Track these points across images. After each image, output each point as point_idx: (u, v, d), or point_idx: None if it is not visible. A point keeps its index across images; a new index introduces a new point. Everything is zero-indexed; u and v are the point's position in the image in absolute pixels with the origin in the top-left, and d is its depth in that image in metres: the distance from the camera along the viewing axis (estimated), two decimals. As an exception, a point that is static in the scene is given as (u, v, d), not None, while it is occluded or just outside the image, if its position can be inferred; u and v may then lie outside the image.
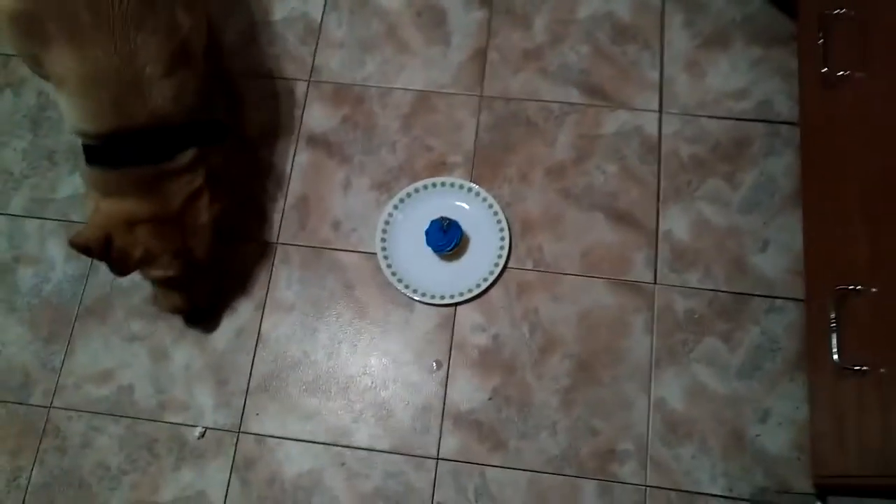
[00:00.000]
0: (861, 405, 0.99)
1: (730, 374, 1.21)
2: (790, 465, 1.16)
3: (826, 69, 1.14)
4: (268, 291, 1.31)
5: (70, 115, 1.08)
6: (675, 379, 1.22)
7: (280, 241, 1.34)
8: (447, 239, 1.26)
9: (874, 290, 0.98)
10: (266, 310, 1.30)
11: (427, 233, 1.27)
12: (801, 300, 1.23)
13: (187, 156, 1.11)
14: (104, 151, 1.09)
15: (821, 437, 1.11)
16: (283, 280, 1.31)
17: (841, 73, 1.11)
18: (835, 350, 1.02)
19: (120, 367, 1.28)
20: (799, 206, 1.27)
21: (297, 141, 1.40)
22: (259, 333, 1.28)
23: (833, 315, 1.03)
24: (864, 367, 0.97)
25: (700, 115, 1.37)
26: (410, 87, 1.42)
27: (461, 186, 1.33)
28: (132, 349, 1.29)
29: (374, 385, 1.25)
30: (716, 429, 1.19)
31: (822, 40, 1.16)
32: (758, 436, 1.18)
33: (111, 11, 1.00)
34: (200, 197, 1.14)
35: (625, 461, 1.18)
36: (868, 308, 1.00)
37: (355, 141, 1.39)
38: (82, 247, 1.05)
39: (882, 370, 0.94)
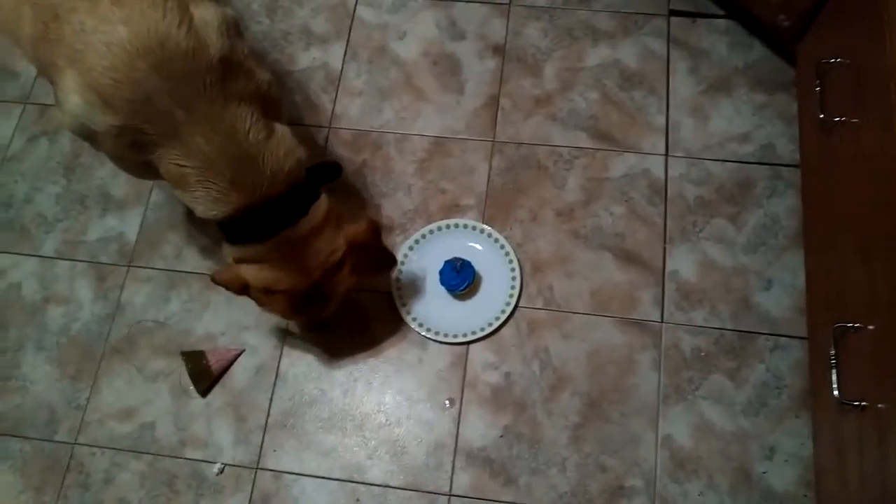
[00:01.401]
0: (860, 440, 1.10)
1: (736, 411, 1.33)
2: (796, 501, 1.26)
3: (823, 115, 1.28)
4: (286, 329, 1.44)
5: (196, 208, 1.14)
6: (682, 416, 1.33)
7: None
8: (460, 279, 1.39)
9: (871, 327, 1.09)
10: (285, 348, 1.43)
11: (441, 273, 1.41)
12: (805, 338, 1.34)
13: (321, 207, 1.20)
14: (238, 229, 1.17)
15: (824, 473, 1.21)
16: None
17: (837, 118, 1.25)
18: (835, 385, 1.13)
19: (143, 404, 1.42)
20: (801, 246, 1.40)
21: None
22: (277, 372, 1.42)
23: (833, 352, 1.15)
24: (864, 403, 1.08)
25: (705, 159, 1.51)
26: (426, 133, 1.58)
27: (474, 228, 1.47)
28: (155, 387, 1.43)
29: (388, 422, 1.37)
30: (723, 465, 1.29)
31: (819, 87, 1.31)
32: (764, 473, 1.28)
33: (200, 97, 1.06)
34: (341, 268, 1.23)
35: (633, 497, 1.29)
36: (866, 345, 1.11)
37: (373, 184, 1.54)
38: (222, 284, 1.21)
39: (880, 405, 1.05)
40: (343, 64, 1.66)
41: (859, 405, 1.08)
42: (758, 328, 1.38)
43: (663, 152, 1.53)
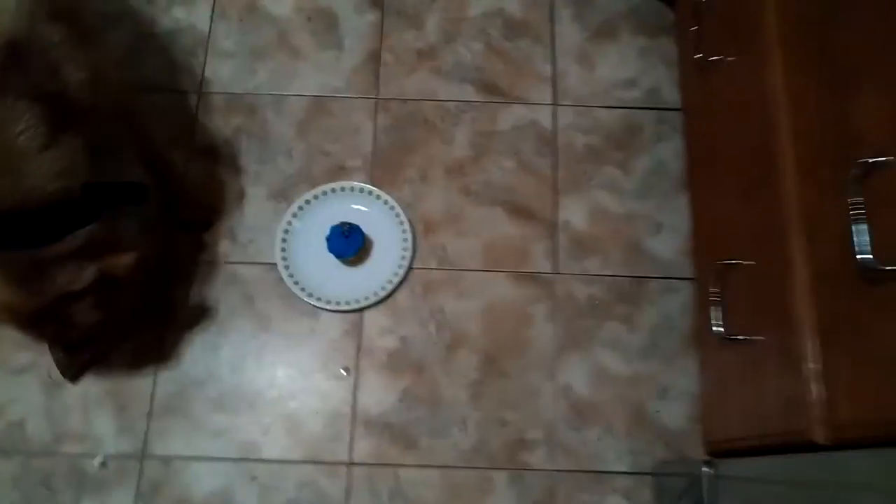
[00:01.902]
0: (741, 373, 1.16)
1: (631, 356, 1.37)
2: (688, 436, 1.32)
3: (700, 55, 1.31)
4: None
5: None
6: (579, 365, 1.37)
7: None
8: (349, 244, 1.37)
9: (751, 263, 1.14)
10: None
11: (328, 239, 1.39)
12: (692, 279, 1.39)
13: (81, 235, 1.07)
14: None
15: (709, 406, 1.28)
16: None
17: (713, 57, 1.28)
18: (717, 322, 1.18)
19: (8, 402, 1.35)
20: (688, 189, 1.44)
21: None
22: (159, 354, 1.36)
23: (715, 289, 1.19)
24: (744, 337, 1.13)
25: (593, 106, 1.54)
26: (304, 93, 1.54)
27: (361, 190, 1.45)
28: (21, 382, 1.36)
29: (281, 396, 1.35)
30: (619, 409, 1.34)
31: (696, 28, 1.34)
32: (657, 412, 1.34)
33: None
34: (82, 299, 1.10)
35: (534, 449, 1.32)
36: (745, 281, 1.16)
37: (249, 151, 1.49)
38: None
39: (758, 338, 1.10)
40: (211, 24, 1.59)
41: (741, 339, 1.14)
42: (649, 272, 1.43)
43: (551, 102, 1.55)
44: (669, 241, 1.45)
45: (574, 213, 1.47)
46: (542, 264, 1.44)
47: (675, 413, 1.34)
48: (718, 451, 1.22)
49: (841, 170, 0.89)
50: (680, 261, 1.43)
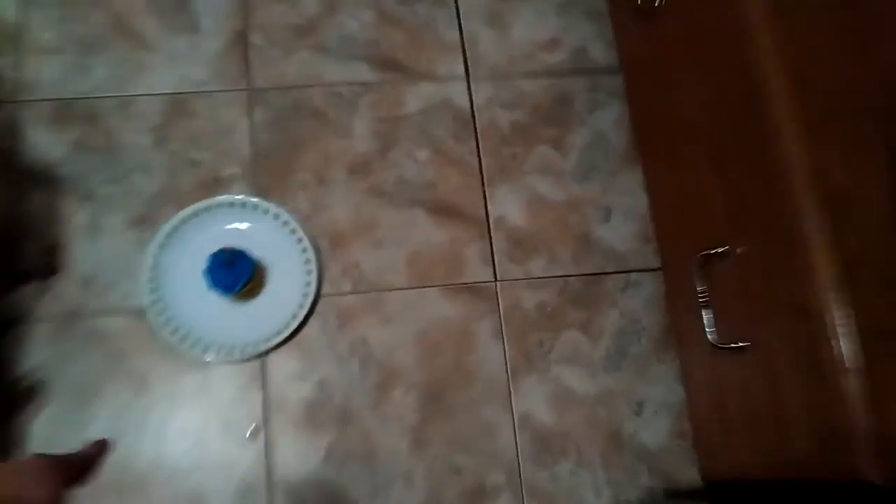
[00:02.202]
0: (744, 387, 0.98)
1: (596, 369, 1.18)
2: (673, 455, 1.15)
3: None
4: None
5: None
6: (537, 388, 1.16)
7: (14, 314, 1.11)
8: (234, 275, 1.10)
9: (739, 250, 0.96)
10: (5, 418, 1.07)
11: (208, 272, 1.10)
12: (658, 269, 1.21)
13: None
14: None
15: (703, 426, 1.10)
16: (29, 364, 1.09)
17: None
18: (709, 329, 0.99)
19: None
20: (637, 163, 1.26)
21: (15, 184, 1.16)
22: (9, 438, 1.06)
23: (701, 287, 1.01)
24: (744, 344, 0.95)
25: (513, 75, 1.32)
26: (158, 91, 1.24)
27: (243, 205, 1.18)
28: None
29: (177, 473, 1.08)
30: (591, 435, 1.15)
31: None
32: (635, 432, 1.15)
33: None
34: None
35: (498, 496, 1.11)
36: (736, 272, 0.98)
37: (95, 170, 1.19)
38: None
39: (762, 342, 0.92)
40: (20, 14, 1.26)
41: (739, 347, 0.96)
42: (604, 267, 1.23)
43: (463, 75, 1.32)
44: (622, 228, 1.26)
45: (508, 207, 1.26)
46: (478, 272, 1.22)
47: (656, 430, 1.16)
48: (717, 478, 1.05)
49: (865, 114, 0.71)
50: (638, 249, 1.24)
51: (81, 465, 0.90)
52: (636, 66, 1.27)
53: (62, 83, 1.23)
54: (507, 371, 1.17)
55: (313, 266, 1.17)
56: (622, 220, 1.26)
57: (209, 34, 1.29)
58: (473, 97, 1.31)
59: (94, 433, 1.08)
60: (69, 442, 1.06)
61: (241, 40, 1.29)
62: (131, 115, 1.22)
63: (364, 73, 1.30)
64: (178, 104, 1.24)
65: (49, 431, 1.08)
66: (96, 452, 0.94)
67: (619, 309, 1.21)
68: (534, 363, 1.18)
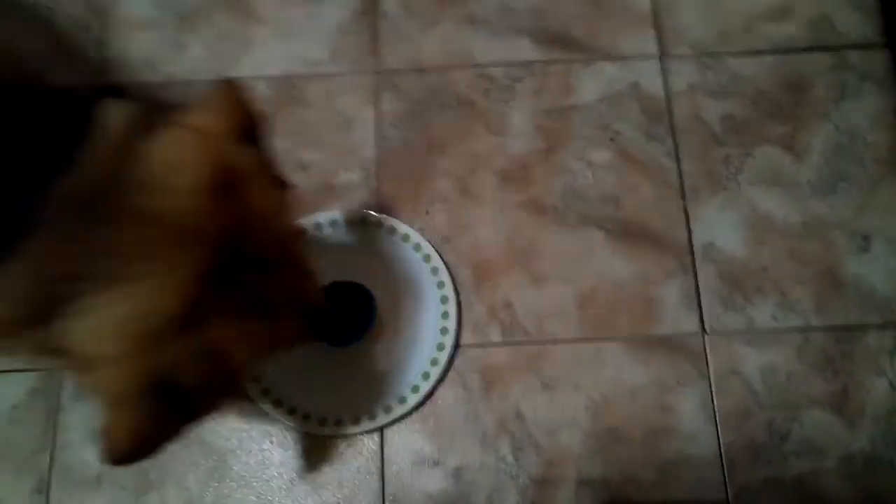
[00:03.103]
0: None
1: (854, 470, 0.78)
2: None
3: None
4: (52, 459, 0.83)
5: None
6: (767, 490, 0.78)
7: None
8: (352, 320, 0.80)
9: None
10: (52, 494, 0.82)
11: (317, 311, 0.80)
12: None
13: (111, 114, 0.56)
14: None
15: None
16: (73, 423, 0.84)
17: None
18: None
19: None
20: (912, 172, 0.86)
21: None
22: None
23: None
24: None
25: (724, 53, 0.95)
26: (264, 73, 0.96)
27: (364, 221, 0.87)
28: None
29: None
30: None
31: None
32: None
33: None
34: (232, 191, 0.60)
35: None
36: None
37: (183, 172, 0.92)
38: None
39: None
40: (111, -22, 1.03)
41: None
42: (861, 318, 0.84)
43: (656, 52, 0.97)
44: (887, 262, 0.86)
45: (719, 230, 0.89)
46: (679, 320, 0.85)
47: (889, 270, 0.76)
48: None
49: None
50: (916, 295, 0.85)
51: None
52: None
53: (153, 62, 0.97)
54: (722, 466, 0.81)
55: (452, 306, 0.84)
56: (886, 250, 0.87)
57: (331, 3, 1.00)
58: (669, 82, 0.95)
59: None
60: None
61: (370, 10, 0.99)
62: (230, 104, 0.96)
63: (525, 50, 0.97)
64: (286, 89, 0.96)
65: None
66: None
67: (877, 366, 0.82)
68: (762, 455, 0.81)
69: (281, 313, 0.58)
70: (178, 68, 0.97)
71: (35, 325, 0.49)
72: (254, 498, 0.80)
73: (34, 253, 0.48)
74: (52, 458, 0.82)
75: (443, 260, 0.86)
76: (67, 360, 0.51)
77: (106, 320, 0.49)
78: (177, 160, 0.52)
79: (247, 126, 0.60)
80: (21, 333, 0.50)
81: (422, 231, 0.87)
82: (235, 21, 1.00)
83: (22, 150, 0.49)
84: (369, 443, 0.82)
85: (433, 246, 0.87)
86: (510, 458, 0.81)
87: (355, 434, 0.81)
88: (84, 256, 0.49)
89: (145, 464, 0.81)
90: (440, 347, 0.82)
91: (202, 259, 0.51)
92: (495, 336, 0.85)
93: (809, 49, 0.95)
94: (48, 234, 0.48)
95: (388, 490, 0.80)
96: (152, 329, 0.50)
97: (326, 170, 0.91)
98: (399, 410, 0.80)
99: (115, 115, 0.53)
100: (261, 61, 0.97)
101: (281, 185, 0.62)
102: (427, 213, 0.89)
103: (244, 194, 0.55)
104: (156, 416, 0.51)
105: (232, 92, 0.61)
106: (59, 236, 0.48)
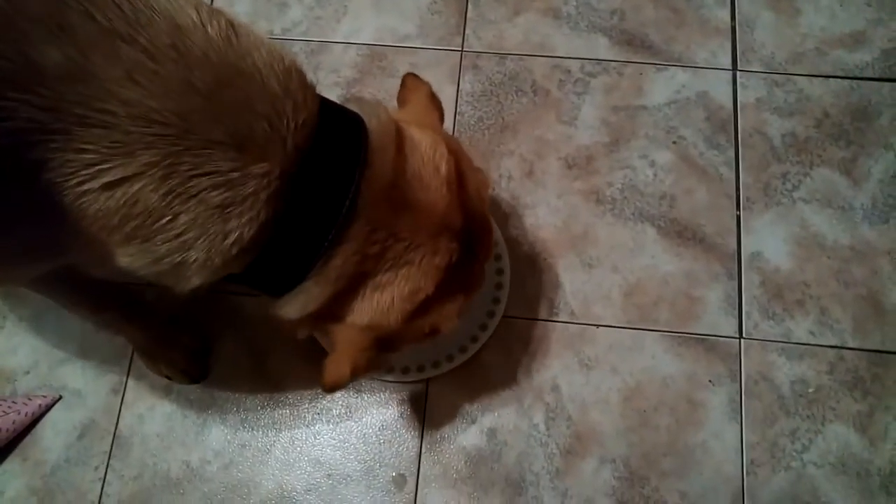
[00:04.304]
0: None
1: (874, 485, 0.80)
2: None
3: None
4: (130, 364, 0.88)
5: (186, 263, 0.58)
6: (784, 491, 0.80)
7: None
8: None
9: None
10: (127, 396, 0.87)
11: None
12: None
13: (380, 118, 0.64)
14: (290, 237, 0.62)
15: None
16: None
17: None
18: None
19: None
20: (967, 211, 0.86)
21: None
22: (115, 434, 0.85)
23: None
24: None
25: (795, 74, 0.96)
26: (356, 40, 1.00)
27: (433, 190, 0.90)
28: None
29: (299, 510, 0.83)
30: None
31: None
32: None
33: None
34: (462, 183, 0.70)
35: None
36: None
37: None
38: (348, 378, 0.65)
39: None
40: (225, -66, 1.06)
41: None
42: (898, 346, 0.86)
43: (729, 66, 0.98)
44: (935, 296, 0.87)
45: (768, 241, 0.90)
46: (718, 322, 0.87)
47: None
48: None
49: None
50: (957, 330, 0.85)
51: None
52: None
53: (254, 20, 1.01)
54: (742, 465, 0.82)
55: (505, 278, 0.87)
56: (936, 285, 0.87)
57: (424, -19, 1.04)
58: (739, 94, 0.96)
59: (210, 444, 0.86)
60: (183, 442, 0.85)
61: (460, -8, 1.03)
62: (323, 65, 0.98)
63: (602, 48, 0.99)
64: (376, 57, 0.99)
65: (161, 426, 0.88)
66: None
67: (922, 412, 0.83)
68: (780, 460, 0.82)
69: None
70: (277, 26, 1.01)
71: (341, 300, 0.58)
72: (303, 426, 0.85)
73: (355, 236, 0.55)
74: (130, 363, 0.88)
75: (499, 234, 0.89)
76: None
77: (390, 298, 0.58)
78: (428, 158, 0.60)
79: (442, 115, 0.70)
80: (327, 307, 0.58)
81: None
82: (334, -12, 1.04)
83: (332, 150, 0.55)
84: (414, 393, 0.86)
85: (494, 221, 0.90)
86: (542, 427, 0.83)
87: (403, 383, 0.85)
88: (386, 239, 0.56)
89: (202, 400, 0.87)
90: (490, 315, 0.85)
91: (452, 248, 0.59)
92: (543, 312, 0.88)
93: (880, 79, 0.95)
94: (363, 221, 0.55)
95: (425, 438, 0.84)
96: (410, 309, 0.58)
97: (403, 137, 0.95)
98: (445, 367, 0.84)
99: (378, 114, 0.60)
100: (354, 29, 1.01)
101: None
102: (493, 189, 0.92)
103: (466, 181, 0.62)
104: (368, 364, 0.60)
105: (424, 85, 0.70)
106: (371, 223, 0.55)
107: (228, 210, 0.50)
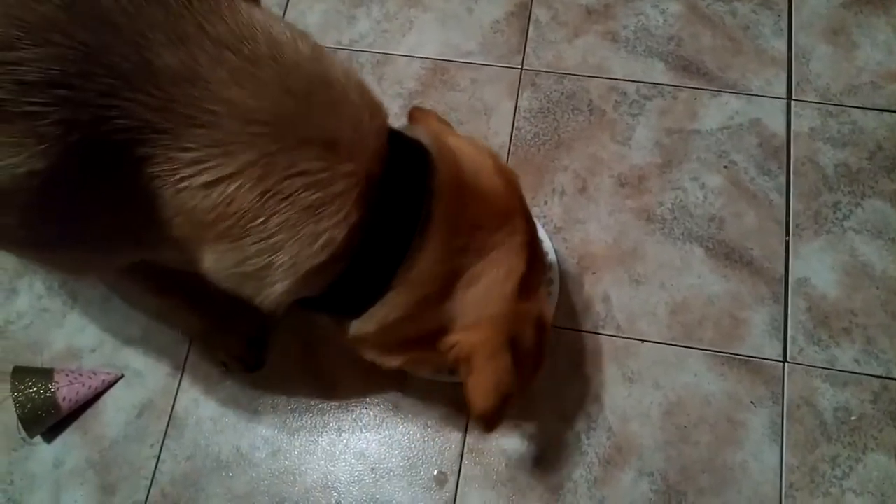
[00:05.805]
0: None
1: (918, 521, 0.77)
2: None
3: None
4: (189, 350, 0.90)
5: (275, 270, 0.60)
6: (824, 524, 0.78)
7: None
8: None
9: None
10: (185, 378, 0.89)
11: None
12: None
13: (430, 127, 0.72)
14: (378, 242, 0.66)
15: None
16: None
17: None
18: None
19: None
20: None
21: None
22: (171, 415, 0.87)
23: None
24: None
25: (849, 106, 0.95)
26: (420, 54, 1.02)
27: (487, 200, 0.91)
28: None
29: None
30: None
31: None
32: None
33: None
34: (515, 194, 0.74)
35: None
36: None
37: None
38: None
39: None
40: (301, -51, 1.10)
41: None
42: (946, 379, 0.83)
43: (784, 95, 0.97)
44: (985, 332, 0.85)
45: (816, 268, 0.89)
46: (762, 344, 0.86)
47: None
48: None
49: None
50: None
51: None
52: None
53: (323, 30, 1.04)
54: (780, 488, 0.81)
55: (554, 288, 0.87)
56: None
57: (488, 2, 1.04)
58: (792, 123, 0.95)
59: (260, 432, 0.87)
60: (234, 427, 0.86)
61: (523, 13, 1.03)
62: (387, 76, 1.00)
63: (658, 72, 0.99)
64: (439, 71, 1.00)
65: (214, 411, 0.89)
66: None
67: (969, 447, 0.81)
68: (819, 485, 0.81)
69: None
70: (345, 37, 1.04)
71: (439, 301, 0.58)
72: (350, 419, 0.86)
73: (438, 235, 0.56)
74: (188, 350, 0.90)
75: (552, 245, 0.89)
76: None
77: (488, 284, 0.58)
78: (473, 153, 0.62)
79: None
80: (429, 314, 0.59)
81: (539, 218, 0.91)
82: (401, 4, 1.05)
83: (404, 153, 0.58)
84: (460, 394, 0.86)
85: (544, 232, 0.90)
86: (583, 436, 0.83)
87: (449, 382, 0.85)
88: (469, 231, 0.58)
89: (255, 388, 0.88)
90: (537, 324, 0.86)
91: (526, 228, 0.61)
92: (589, 324, 0.88)
93: (936, 115, 0.94)
94: (441, 219, 0.56)
95: (468, 439, 0.84)
96: (513, 289, 0.59)
97: (461, 148, 0.96)
98: (491, 371, 0.84)
99: (427, 120, 0.64)
100: (419, 43, 1.02)
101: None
102: (546, 203, 0.93)
103: (504, 168, 0.64)
104: (511, 369, 0.58)
105: (431, 111, 0.73)
106: (449, 219, 0.56)
107: (320, 211, 0.51)
